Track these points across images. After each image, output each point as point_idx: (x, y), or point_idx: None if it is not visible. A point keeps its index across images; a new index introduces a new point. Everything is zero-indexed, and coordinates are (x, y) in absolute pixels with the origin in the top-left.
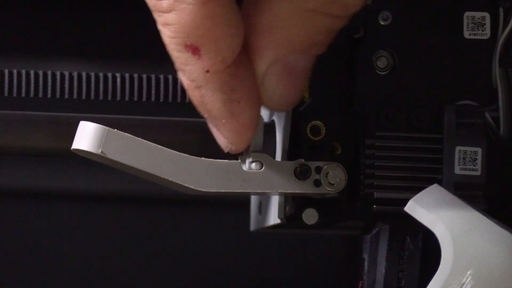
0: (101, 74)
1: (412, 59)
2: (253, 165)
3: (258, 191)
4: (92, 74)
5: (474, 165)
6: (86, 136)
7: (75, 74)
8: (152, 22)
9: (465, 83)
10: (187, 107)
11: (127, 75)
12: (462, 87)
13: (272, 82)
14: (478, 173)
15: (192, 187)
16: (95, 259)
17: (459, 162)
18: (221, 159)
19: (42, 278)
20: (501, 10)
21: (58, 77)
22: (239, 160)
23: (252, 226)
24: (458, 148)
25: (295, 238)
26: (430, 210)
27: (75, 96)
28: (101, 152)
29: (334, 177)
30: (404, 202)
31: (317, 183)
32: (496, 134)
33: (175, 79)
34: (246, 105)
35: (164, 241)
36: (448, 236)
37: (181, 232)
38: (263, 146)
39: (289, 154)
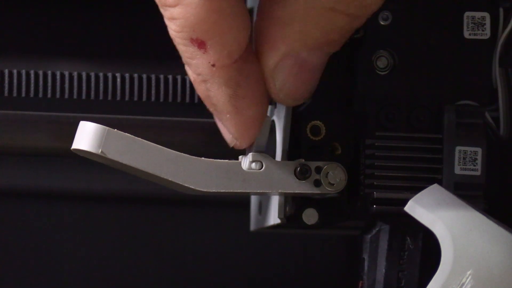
0: (101, 74)
1: (412, 59)
2: (253, 165)
3: (258, 191)
4: (92, 74)
5: (474, 165)
6: (86, 136)
7: (75, 74)
8: (152, 22)
9: (465, 83)
10: (187, 107)
11: (127, 75)
12: (462, 87)
13: (283, 75)
14: (478, 173)
15: (192, 187)
16: (95, 259)
17: (459, 162)
18: (221, 159)
19: (42, 278)
20: (501, 10)
21: (58, 77)
22: (240, 160)
23: (252, 226)
24: (458, 148)
25: (295, 238)
26: (430, 210)
27: (75, 96)
28: (101, 152)
29: (334, 177)
30: (404, 202)
31: (317, 183)
32: (496, 134)
33: (175, 79)
34: (251, 101)
35: (164, 241)
36: (448, 236)
37: (181, 232)
38: (265, 147)
39: (289, 154)
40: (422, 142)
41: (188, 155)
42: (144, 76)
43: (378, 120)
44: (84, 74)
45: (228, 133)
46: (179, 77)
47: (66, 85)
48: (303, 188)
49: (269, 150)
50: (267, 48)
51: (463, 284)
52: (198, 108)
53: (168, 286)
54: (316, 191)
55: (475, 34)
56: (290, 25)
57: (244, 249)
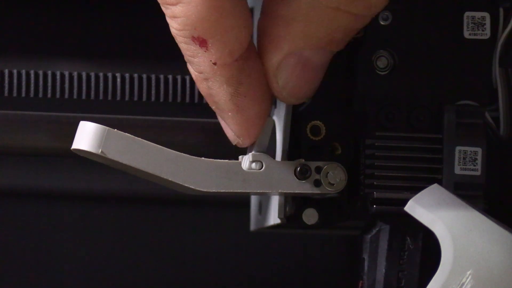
0: (101, 74)
1: (412, 59)
2: (253, 165)
3: (258, 191)
4: (92, 74)
5: (474, 165)
6: (86, 136)
7: (75, 74)
8: (152, 22)
9: (465, 83)
10: (187, 107)
11: (127, 75)
12: (462, 87)
13: (286, 73)
14: (478, 173)
15: (192, 187)
16: (95, 259)
17: (459, 162)
18: (221, 159)
19: (42, 278)
20: (501, 10)
21: (58, 77)
22: (240, 160)
23: (252, 226)
24: (458, 148)
25: (295, 238)
26: (430, 210)
27: (75, 96)
28: (101, 152)
29: (334, 177)
30: (404, 202)
31: (317, 183)
32: (496, 134)
33: (175, 79)
34: (253, 100)
35: (164, 241)
36: (448, 236)
37: (181, 232)
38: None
39: (289, 154)
40: (422, 142)
41: (188, 155)
42: (144, 76)
43: (378, 120)
44: (84, 74)
45: (231, 131)
46: (179, 77)
47: (66, 85)
48: (303, 188)
49: (269, 150)
50: (271, 47)
51: (463, 284)
52: (198, 108)
53: (168, 286)
54: (316, 191)
55: (475, 34)
56: (294, 24)
57: (244, 249)
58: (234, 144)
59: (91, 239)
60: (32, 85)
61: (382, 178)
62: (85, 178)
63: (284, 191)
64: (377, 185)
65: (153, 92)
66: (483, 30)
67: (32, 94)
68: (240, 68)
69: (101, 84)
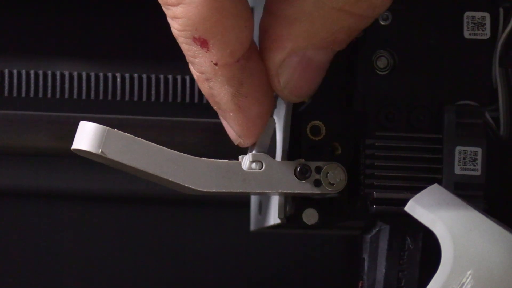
0: (101, 74)
1: (412, 59)
2: (253, 165)
3: (258, 191)
4: (92, 74)
5: (474, 165)
6: (86, 136)
7: (75, 74)
8: (152, 22)
9: (465, 83)
10: (187, 107)
11: (127, 75)
12: (462, 87)
13: (288, 72)
14: (478, 173)
15: (192, 187)
16: (95, 259)
17: (459, 162)
18: (221, 159)
19: (42, 278)
20: (501, 10)
21: (58, 77)
22: (240, 160)
23: (252, 226)
24: (458, 148)
25: (295, 238)
26: (430, 210)
27: (75, 96)
28: (101, 152)
29: (334, 177)
30: (404, 202)
31: (317, 183)
32: (496, 134)
33: (175, 79)
34: (254, 100)
35: (164, 241)
36: (448, 236)
37: (181, 232)
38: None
39: (289, 154)
40: (422, 142)
41: (188, 155)
42: (144, 76)
43: (378, 120)
44: (84, 74)
45: (232, 131)
46: (179, 77)
47: (66, 85)
48: (303, 188)
49: (269, 150)
50: (273, 46)
51: (463, 284)
52: (198, 108)
53: (168, 286)
54: (316, 191)
55: (475, 34)
56: (297, 24)
57: (244, 249)
58: (236, 144)
59: (91, 239)
60: (32, 85)
61: (382, 178)
62: (85, 178)
63: (284, 191)
64: (377, 185)
65: (153, 92)
66: (483, 30)
67: (32, 94)
68: (241, 69)
69: (101, 84)
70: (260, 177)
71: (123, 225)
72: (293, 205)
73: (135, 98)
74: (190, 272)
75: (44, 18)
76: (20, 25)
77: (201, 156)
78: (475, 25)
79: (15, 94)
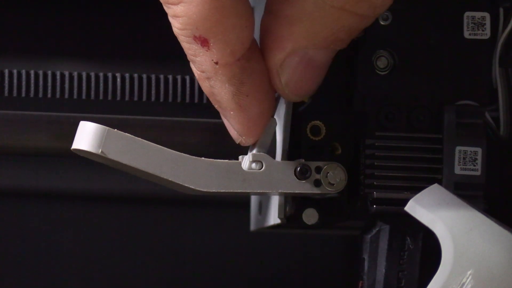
0: (101, 74)
1: (412, 59)
2: (253, 165)
3: (258, 191)
4: (92, 74)
5: (474, 165)
6: (86, 136)
7: (75, 74)
8: (152, 22)
9: (465, 83)
10: (187, 107)
11: (127, 75)
12: (462, 87)
13: (289, 71)
14: (478, 173)
15: (192, 187)
16: (95, 259)
17: (459, 162)
18: (221, 159)
19: (42, 278)
20: (501, 10)
21: (58, 77)
22: (240, 160)
23: (252, 226)
24: (458, 148)
25: (295, 238)
26: (431, 210)
27: (75, 96)
28: (101, 152)
29: (334, 177)
30: (404, 202)
31: (317, 183)
32: (496, 134)
33: (175, 79)
34: (255, 99)
35: (164, 241)
36: (448, 236)
37: (181, 232)
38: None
39: (289, 154)
40: (422, 142)
41: (188, 155)
42: (144, 76)
43: (378, 120)
44: (84, 74)
45: (233, 130)
46: (179, 77)
47: (66, 85)
48: (303, 188)
49: (269, 150)
50: (274, 46)
51: (463, 284)
52: (198, 108)
53: (168, 286)
54: (316, 191)
55: (475, 34)
56: (298, 24)
57: (244, 249)
58: (237, 142)
59: (91, 239)
60: (32, 85)
61: (382, 178)
62: (85, 178)
63: (284, 191)
64: (377, 185)
65: (153, 92)
66: (483, 30)
67: (32, 94)
68: (242, 68)
69: (101, 84)
70: (260, 177)
71: (123, 225)
72: (293, 205)
73: (135, 98)
74: (190, 272)
75: (44, 18)
76: (20, 25)
77: (201, 156)
78: (475, 25)
79: (15, 94)
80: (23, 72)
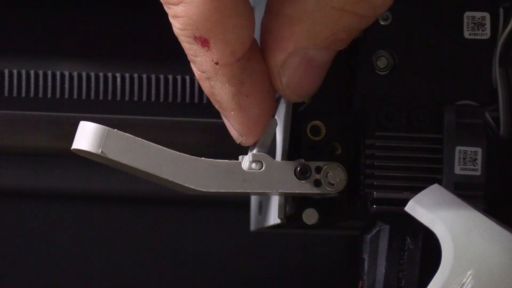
0: (101, 74)
1: (412, 59)
2: (253, 165)
3: (258, 191)
4: (92, 74)
5: (474, 165)
6: (86, 136)
7: (75, 74)
8: (152, 22)
9: (465, 83)
10: (187, 107)
11: (127, 75)
12: (462, 87)
13: (290, 72)
14: (478, 173)
15: (192, 187)
16: (95, 259)
17: (459, 162)
18: (221, 159)
19: (42, 278)
20: (501, 10)
21: (58, 77)
22: (240, 160)
23: (252, 226)
24: (458, 148)
25: (295, 238)
26: (431, 210)
27: (75, 96)
28: (101, 152)
29: (334, 177)
30: (404, 202)
31: (317, 183)
32: (496, 134)
33: (175, 79)
34: (255, 99)
35: (164, 241)
36: (448, 236)
37: (181, 232)
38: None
39: (289, 154)
40: (422, 142)
41: (188, 155)
42: (144, 76)
43: (378, 120)
44: (84, 74)
45: (234, 130)
46: (179, 77)
47: (66, 85)
48: (303, 188)
49: (269, 150)
50: (275, 46)
51: (463, 284)
52: (198, 108)
53: (168, 286)
54: (316, 191)
55: (475, 34)
56: (299, 24)
57: (244, 249)
58: (238, 142)
59: (91, 239)
60: (32, 85)
61: (382, 178)
62: (85, 178)
63: (284, 191)
64: (377, 185)
65: (153, 92)
66: (483, 30)
67: (32, 94)
68: (242, 68)
69: (101, 84)
70: (260, 177)
71: (123, 225)
72: (293, 205)
73: (135, 98)
74: (190, 272)
75: (44, 18)
76: (20, 25)
77: (201, 156)
78: (475, 25)
79: (15, 94)
80: (23, 72)
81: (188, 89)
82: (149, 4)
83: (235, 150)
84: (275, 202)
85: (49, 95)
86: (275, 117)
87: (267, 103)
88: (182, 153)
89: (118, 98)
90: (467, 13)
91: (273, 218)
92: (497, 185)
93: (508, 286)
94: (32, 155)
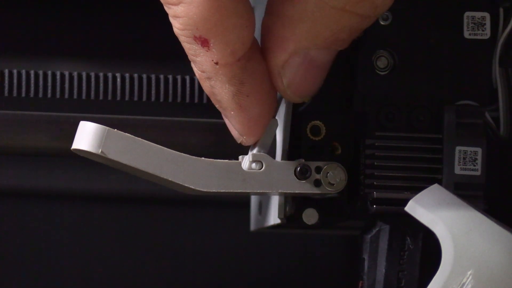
0: (101, 74)
1: (412, 59)
2: (253, 165)
3: (258, 191)
4: (92, 74)
5: (474, 165)
6: (86, 136)
7: (75, 74)
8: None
9: (465, 83)
10: (187, 107)
11: (127, 75)
12: (462, 87)
13: (291, 72)
14: (478, 173)
15: (192, 187)
16: (95, 259)
17: (459, 162)
18: (221, 159)
19: (42, 278)
20: (501, 10)
21: (58, 77)
22: (240, 160)
23: (252, 226)
24: (458, 148)
25: (295, 238)
26: (431, 210)
27: (75, 96)
28: (101, 152)
29: (334, 177)
30: (404, 202)
31: (317, 183)
32: (496, 134)
33: (175, 79)
34: (255, 99)
35: (164, 241)
36: (448, 236)
37: (181, 232)
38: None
39: (289, 154)
40: (422, 142)
41: (188, 155)
42: (144, 76)
43: (378, 120)
44: (84, 74)
45: (234, 130)
46: (179, 77)
47: (66, 85)
48: (303, 188)
49: (269, 150)
50: (275, 46)
51: (463, 284)
52: (198, 108)
53: (168, 286)
54: (316, 191)
55: (475, 34)
56: (299, 24)
57: (244, 249)
58: (238, 142)
59: (91, 239)
60: (32, 85)
61: (382, 178)
62: (85, 178)
63: (284, 191)
64: (377, 185)
65: (153, 92)
66: (483, 30)
67: (32, 94)
68: (242, 68)
69: (101, 84)
70: (260, 177)
71: (123, 225)
72: (293, 205)
73: (135, 98)
74: (190, 272)
75: (44, 18)
76: (20, 25)
77: (201, 156)
78: (475, 25)
79: (15, 94)
80: (23, 72)
81: (188, 89)
82: (149, 4)
83: (235, 150)
84: (275, 202)
85: (49, 95)
86: (275, 117)
87: (268, 103)
88: (182, 153)
89: (118, 98)
90: (467, 13)
91: (273, 218)
92: (497, 185)
93: (508, 286)
94: (32, 155)
